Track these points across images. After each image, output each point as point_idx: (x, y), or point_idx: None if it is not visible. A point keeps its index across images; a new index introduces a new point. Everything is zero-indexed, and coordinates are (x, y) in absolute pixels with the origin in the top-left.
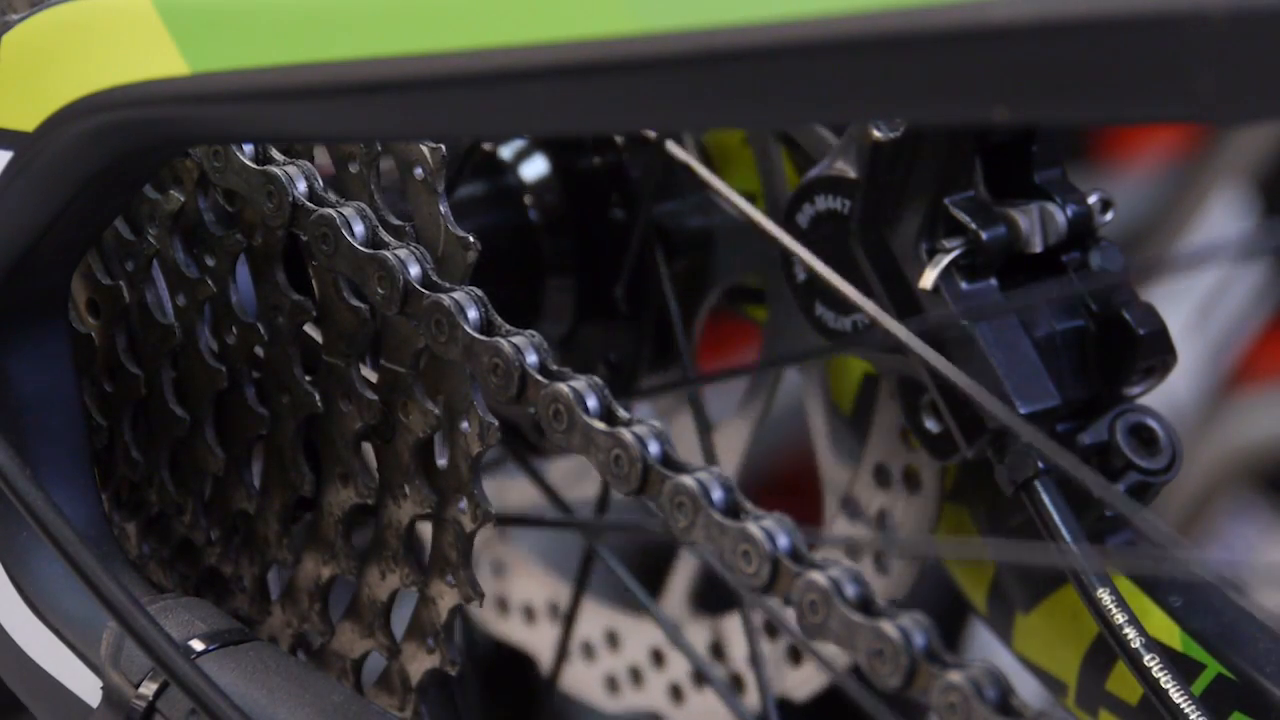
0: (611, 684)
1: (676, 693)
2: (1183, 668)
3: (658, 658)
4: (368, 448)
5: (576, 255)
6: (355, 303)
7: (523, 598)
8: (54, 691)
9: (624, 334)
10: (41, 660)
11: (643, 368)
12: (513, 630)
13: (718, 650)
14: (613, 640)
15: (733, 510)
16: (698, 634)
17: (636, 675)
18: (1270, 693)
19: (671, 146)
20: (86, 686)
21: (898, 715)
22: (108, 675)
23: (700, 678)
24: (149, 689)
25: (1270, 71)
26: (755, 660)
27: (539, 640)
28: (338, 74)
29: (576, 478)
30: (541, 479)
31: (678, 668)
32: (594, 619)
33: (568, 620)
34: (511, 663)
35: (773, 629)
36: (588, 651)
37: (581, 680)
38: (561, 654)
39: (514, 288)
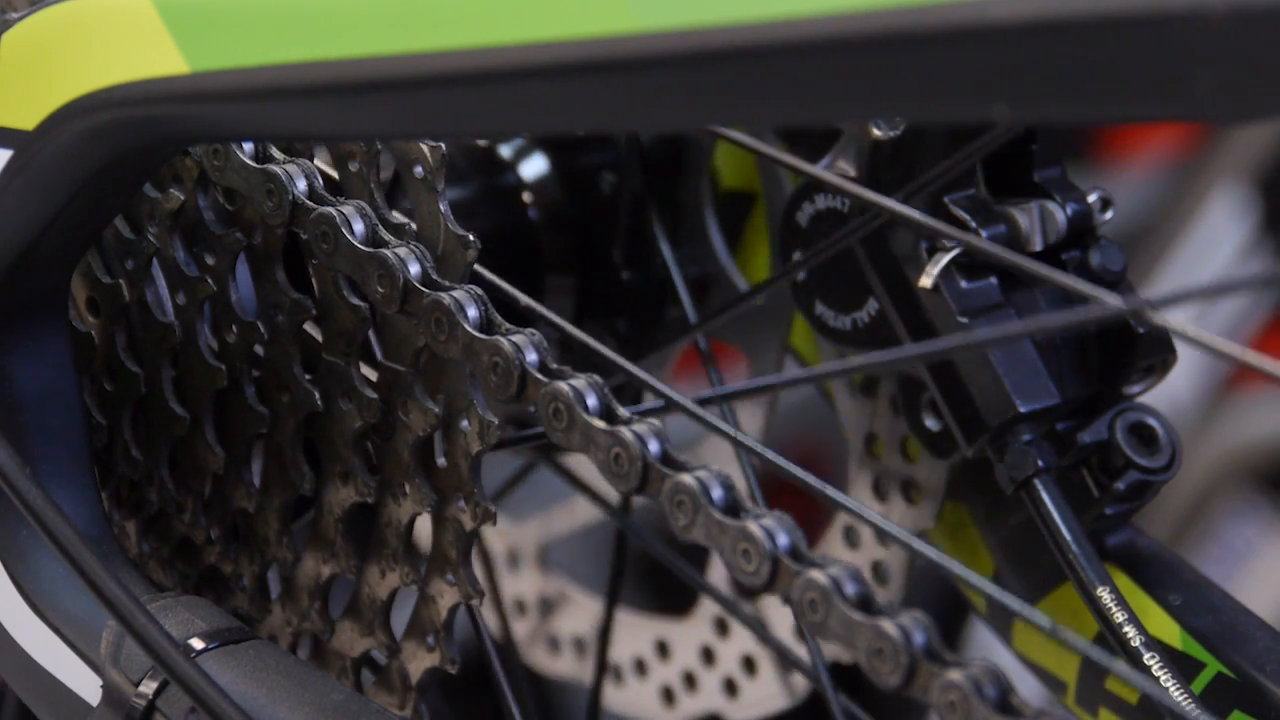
0: (667, 694)
1: (731, 686)
2: (1182, 666)
3: (709, 655)
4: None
5: (576, 253)
6: (355, 301)
7: (571, 630)
8: (54, 690)
9: (629, 303)
10: (41, 659)
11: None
12: (565, 666)
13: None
14: (662, 649)
15: (732, 508)
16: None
17: (690, 679)
18: (1270, 691)
19: None
20: (86, 685)
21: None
22: (108, 674)
23: (752, 665)
24: (149, 687)
25: (1270, 71)
26: (803, 630)
27: (590, 670)
28: (337, 73)
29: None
30: (574, 475)
31: (729, 660)
32: (640, 632)
33: (609, 610)
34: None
35: None
36: (639, 667)
37: (637, 697)
38: (602, 666)
39: (514, 286)
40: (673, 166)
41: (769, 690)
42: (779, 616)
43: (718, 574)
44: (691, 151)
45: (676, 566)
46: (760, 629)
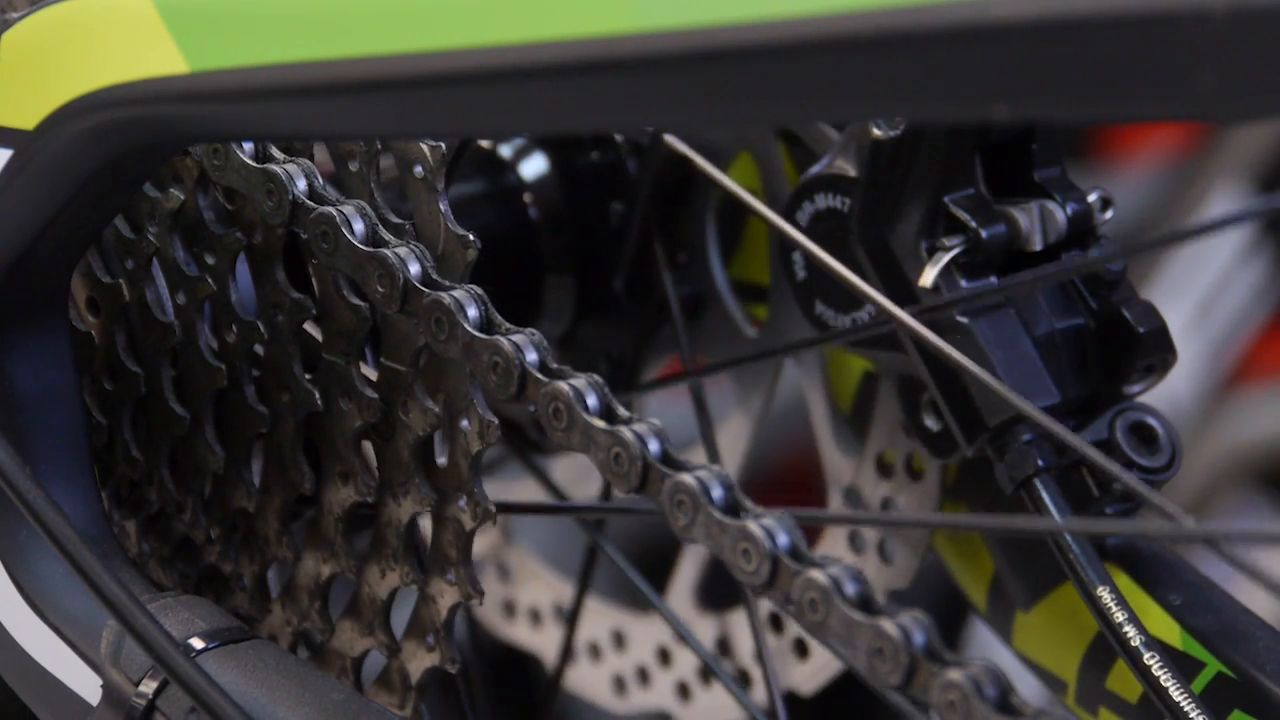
0: (619, 684)
1: (684, 691)
2: (1182, 666)
3: (664, 656)
4: (368, 446)
5: (576, 253)
6: (355, 301)
7: (529, 601)
8: (54, 690)
9: (624, 328)
10: (42, 659)
11: (644, 360)
12: (519, 633)
13: (724, 646)
14: (619, 640)
15: (732, 508)
16: (704, 630)
17: (644, 675)
18: (1270, 691)
19: (671, 139)
20: (87, 685)
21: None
22: (108, 673)
23: (708, 674)
24: (149, 687)
25: (1270, 71)
26: (762, 655)
27: (546, 642)
28: (337, 72)
29: (580, 475)
30: (545, 476)
31: (685, 665)
32: (600, 619)
33: (572, 618)
34: (517, 663)
35: (779, 623)
36: (594, 652)
37: (589, 681)
38: (566, 652)
39: (514, 286)
40: (681, 195)
41: (723, 701)
42: (741, 635)
43: (696, 568)
44: (699, 179)
45: (638, 583)
46: (711, 659)
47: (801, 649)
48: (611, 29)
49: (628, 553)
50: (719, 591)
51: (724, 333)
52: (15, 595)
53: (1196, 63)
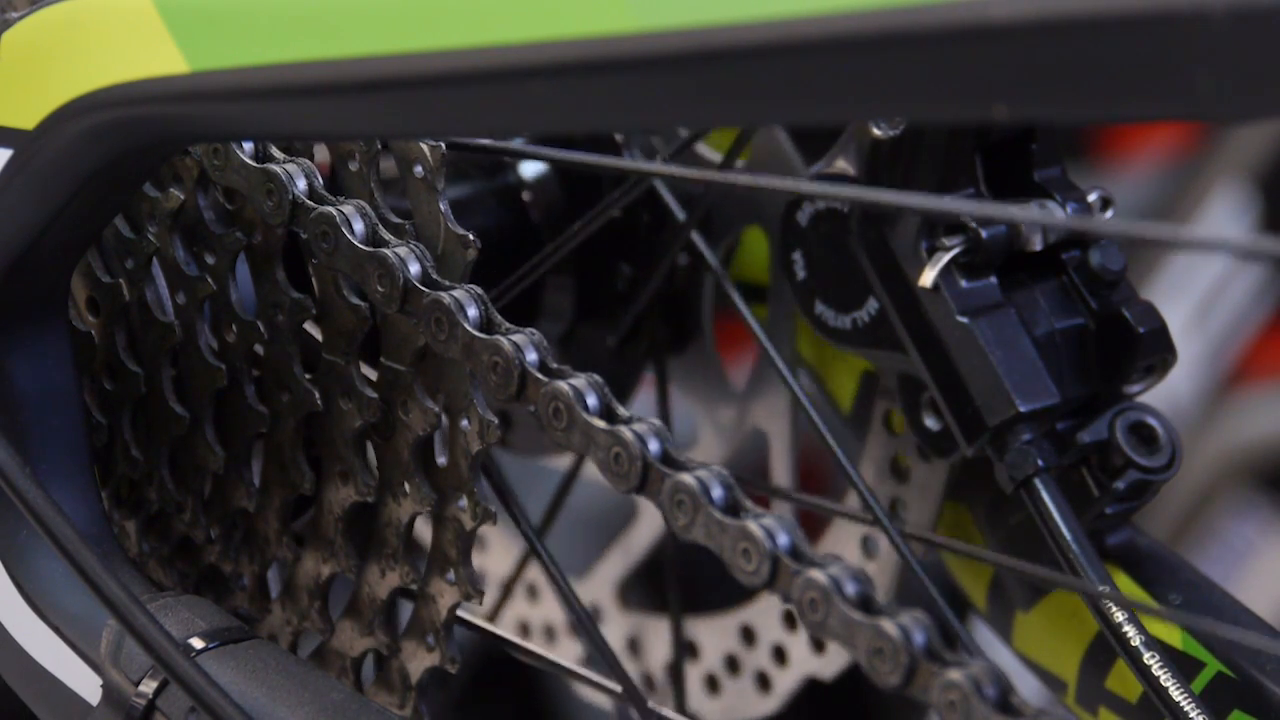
0: (523, 629)
1: (587, 664)
2: (1182, 666)
3: (574, 628)
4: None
5: (576, 253)
6: (355, 301)
7: None
8: (54, 690)
9: (610, 372)
10: (42, 658)
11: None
12: None
13: (633, 646)
14: (532, 593)
15: (732, 508)
16: (617, 625)
17: (550, 632)
18: (1270, 691)
19: (695, 238)
20: (86, 685)
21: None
22: (108, 673)
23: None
24: (149, 687)
25: (1270, 70)
26: (678, 673)
27: None
28: (337, 72)
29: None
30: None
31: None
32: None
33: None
34: None
35: (695, 650)
36: (502, 589)
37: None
38: (496, 610)
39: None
40: (691, 267)
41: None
42: (653, 644)
43: (623, 564)
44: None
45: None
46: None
47: (713, 685)
48: (611, 29)
49: (583, 522)
50: (640, 593)
51: (706, 374)
52: (15, 595)
53: (1196, 63)
